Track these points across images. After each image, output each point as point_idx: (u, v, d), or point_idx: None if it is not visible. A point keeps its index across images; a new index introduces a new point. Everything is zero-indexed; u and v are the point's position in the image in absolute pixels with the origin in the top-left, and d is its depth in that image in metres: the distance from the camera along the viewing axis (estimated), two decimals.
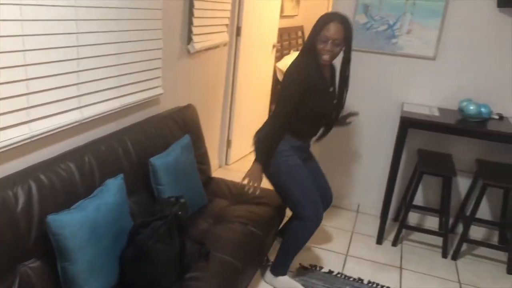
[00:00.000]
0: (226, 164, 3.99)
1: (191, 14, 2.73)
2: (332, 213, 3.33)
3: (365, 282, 2.57)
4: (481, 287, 2.63)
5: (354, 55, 3.11)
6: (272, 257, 2.57)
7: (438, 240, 2.99)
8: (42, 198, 1.51)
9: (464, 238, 2.82)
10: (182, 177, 2.19)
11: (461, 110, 2.77)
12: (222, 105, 3.73)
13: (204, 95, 3.26)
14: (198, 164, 2.44)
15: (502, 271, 2.80)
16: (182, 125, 2.47)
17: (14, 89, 1.51)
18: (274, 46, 4.42)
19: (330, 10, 3.43)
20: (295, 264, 2.57)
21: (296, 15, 5.98)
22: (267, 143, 2.16)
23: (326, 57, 2.09)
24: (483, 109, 2.71)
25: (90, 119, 1.91)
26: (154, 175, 2.05)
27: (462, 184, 3.13)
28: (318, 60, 2.11)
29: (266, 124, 2.28)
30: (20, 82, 1.53)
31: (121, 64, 2.08)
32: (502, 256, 2.91)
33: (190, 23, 2.75)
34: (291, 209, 2.28)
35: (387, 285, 2.56)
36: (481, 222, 3.07)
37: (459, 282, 2.66)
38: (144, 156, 2.06)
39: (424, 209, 3.24)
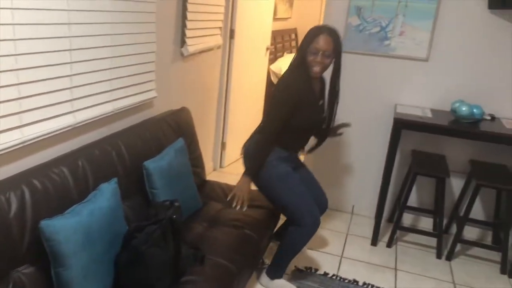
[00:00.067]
0: (221, 166, 3.98)
1: (184, 17, 2.73)
2: (326, 215, 3.33)
3: (360, 283, 2.57)
4: (475, 287, 2.65)
5: (347, 57, 3.14)
6: (267, 259, 2.57)
7: (433, 241, 3.01)
8: (35, 203, 1.50)
9: (458, 238, 2.83)
10: (176, 181, 2.18)
11: (453, 111, 2.79)
12: (216, 107, 3.72)
13: (198, 98, 3.25)
14: (192, 167, 2.44)
15: (496, 271, 2.82)
16: (176, 128, 2.47)
17: (5, 93, 1.50)
18: (267, 49, 4.43)
19: (323, 12, 3.45)
20: (290, 266, 2.57)
21: (290, 18, 5.99)
22: (256, 156, 2.18)
23: (317, 68, 2.11)
24: (475, 110, 2.73)
25: (84, 123, 1.90)
26: (148, 179, 2.04)
27: (456, 184, 3.15)
28: (309, 73, 2.13)
29: (254, 135, 2.29)
30: (11, 86, 1.52)
31: (114, 68, 2.07)
32: (496, 256, 2.93)
33: (184, 26, 2.75)
34: (289, 217, 2.27)
35: (382, 286, 2.57)
36: (475, 222, 3.09)
37: (453, 282, 2.67)
38: (138, 160, 2.05)
39: (418, 210, 3.25)
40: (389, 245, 3.00)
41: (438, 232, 2.90)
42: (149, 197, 2.06)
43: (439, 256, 2.91)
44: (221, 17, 3.35)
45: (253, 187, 2.31)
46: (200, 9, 2.90)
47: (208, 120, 3.59)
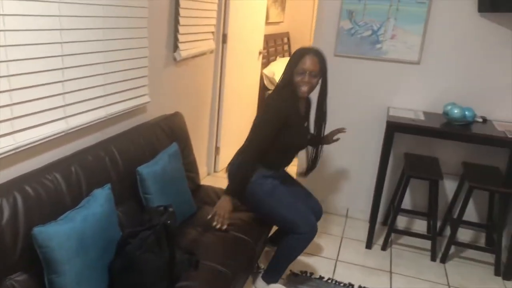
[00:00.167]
0: (215, 171, 3.97)
1: (176, 22, 2.73)
2: (321, 219, 3.33)
3: (356, 287, 2.57)
4: None
5: (340, 61, 3.16)
6: (262, 264, 2.56)
7: (427, 243, 3.02)
8: (28, 210, 1.49)
9: (452, 240, 2.84)
10: (170, 186, 2.17)
11: (445, 114, 2.81)
12: (210, 112, 3.72)
13: (191, 102, 3.25)
14: (186, 172, 2.43)
15: (490, 272, 2.83)
16: (170, 133, 2.46)
17: None
18: (260, 53, 4.44)
19: (315, 16, 3.46)
20: (286, 271, 2.56)
21: (282, 22, 6.02)
22: (238, 176, 2.18)
23: (304, 88, 2.15)
24: (467, 113, 2.75)
25: (76, 129, 1.89)
26: (142, 184, 2.03)
27: (449, 187, 3.17)
28: (297, 93, 2.16)
29: (238, 155, 2.29)
30: (3, 92, 1.50)
31: (107, 73, 2.06)
32: (490, 257, 2.95)
33: (176, 30, 2.74)
34: (286, 230, 2.24)
35: None
36: (468, 224, 3.11)
37: (448, 285, 2.68)
38: (131, 165, 2.04)
39: (412, 213, 3.26)
40: (383, 248, 3.01)
41: (432, 234, 2.91)
42: (143, 202, 2.05)
43: (433, 258, 2.92)
44: (214, 21, 3.35)
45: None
46: (192, 13, 2.91)
47: (202, 125, 3.59)
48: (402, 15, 2.95)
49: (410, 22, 2.95)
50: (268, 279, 2.36)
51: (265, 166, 2.23)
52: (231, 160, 2.30)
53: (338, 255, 2.91)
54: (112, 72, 2.10)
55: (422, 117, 2.88)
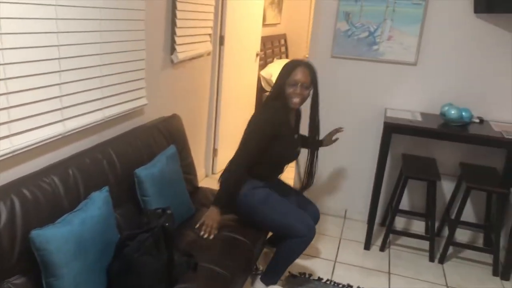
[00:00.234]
0: (213, 173, 3.97)
1: (173, 24, 2.73)
2: (320, 220, 3.33)
3: None
4: None
5: (337, 63, 3.17)
6: (261, 265, 2.56)
7: (425, 244, 3.02)
8: (26, 213, 1.48)
9: (450, 241, 2.85)
10: (168, 188, 2.17)
11: (443, 115, 2.82)
12: (207, 114, 3.72)
13: (189, 104, 3.25)
14: (184, 174, 2.43)
15: (488, 273, 2.84)
16: (167, 135, 2.46)
17: None
18: (257, 55, 4.45)
19: (311, 18, 3.47)
20: (284, 272, 2.56)
21: (279, 24, 6.03)
22: (226, 186, 2.17)
23: (296, 100, 2.17)
24: (464, 113, 2.75)
25: (74, 131, 1.89)
26: (139, 186, 2.03)
27: (447, 187, 3.17)
28: (288, 104, 2.18)
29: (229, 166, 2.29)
30: (0, 96, 1.50)
31: (104, 76, 2.06)
32: (488, 258, 2.95)
33: (173, 33, 2.75)
34: (284, 235, 2.23)
35: None
36: (466, 225, 3.11)
37: (446, 285, 2.68)
38: (129, 167, 2.04)
39: (410, 214, 3.27)
40: (382, 249, 3.01)
41: (430, 235, 2.91)
42: (141, 205, 2.05)
43: (431, 259, 2.92)
44: (211, 23, 3.35)
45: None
46: (189, 16, 2.91)
47: (199, 127, 3.59)
48: (399, 16, 2.96)
49: (406, 23, 2.96)
50: (267, 281, 2.36)
51: (256, 177, 2.24)
52: (224, 168, 2.30)
53: (336, 256, 2.91)
54: (109, 75, 2.10)
55: (419, 118, 2.88)
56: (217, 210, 2.15)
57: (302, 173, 2.48)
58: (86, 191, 1.75)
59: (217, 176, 3.89)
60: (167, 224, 1.75)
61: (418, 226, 3.30)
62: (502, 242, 2.93)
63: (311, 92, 2.24)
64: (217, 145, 3.88)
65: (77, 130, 1.91)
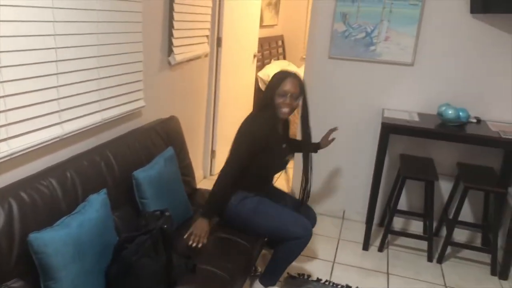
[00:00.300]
0: (211, 174, 3.97)
1: (171, 26, 2.73)
2: (318, 221, 3.32)
3: None
4: None
5: (334, 64, 3.17)
6: (260, 266, 2.56)
7: (423, 244, 3.03)
8: (24, 216, 1.48)
9: (448, 241, 2.85)
10: (166, 190, 2.17)
11: (440, 115, 2.82)
12: (205, 115, 3.72)
13: (186, 106, 3.25)
14: (182, 175, 2.42)
15: (486, 272, 2.84)
16: (165, 137, 2.46)
17: None
18: (255, 56, 4.45)
19: (308, 19, 3.47)
20: (283, 273, 2.56)
21: (276, 25, 6.03)
22: (216, 198, 2.16)
23: (286, 110, 2.19)
24: (461, 113, 2.76)
25: (71, 134, 1.89)
26: (138, 188, 2.02)
27: (444, 187, 3.18)
28: (277, 114, 2.20)
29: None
30: None
31: (101, 78, 2.06)
32: (486, 257, 2.96)
33: (170, 34, 2.75)
34: (282, 240, 2.23)
35: None
36: (464, 224, 3.12)
37: (444, 285, 2.69)
38: (127, 170, 2.03)
39: (408, 214, 3.27)
40: (380, 249, 3.01)
41: (429, 235, 2.92)
42: (139, 207, 2.05)
43: (430, 259, 2.93)
44: (208, 25, 3.36)
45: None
46: (186, 17, 2.91)
47: (197, 128, 3.59)
48: (396, 17, 2.97)
49: (403, 24, 2.97)
50: (266, 282, 2.36)
51: (245, 189, 2.24)
52: (216, 179, 2.29)
53: (335, 257, 2.91)
54: (107, 77, 2.10)
55: (416, 118, 2.89)
56: (206, 221, 2.12)
57: (299, 186, 2.47)
58: (84, 193, 1.75)
59: (215, 177, 3.91)
60: (165, 226, 1.75)
61: (416, 226, 3.30)
62: (500, 241, 2.94)
63: (300, 102, 2.26)
64: (215, 146, 3.88)
65: (75, 133, 1.91)
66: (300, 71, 4.99)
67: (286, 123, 2.41)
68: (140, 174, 2.03)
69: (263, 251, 2.63)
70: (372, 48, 3.06)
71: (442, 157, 3.11)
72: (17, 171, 1.66)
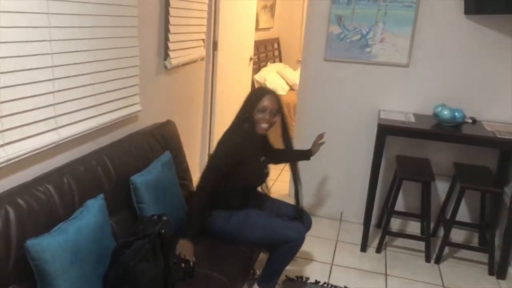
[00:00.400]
0: None
1: (167, 30, 2.73)
2: (316, 223, 3.33)
3: None
4: None
5: (330, 66, 3.18)
6: (258, 270, 2.56)
7: (421, 245, 3.03)
8: (20, 222, 1.47)
9: (446, 241, 2.86)
10: (164, 194, 2.17)
11: (436, 115, 2.83)
12: (202, 119, 3.72)
13: (183, 110, 3.25)
14: (179, 179, 2.42)
15: (484, 272, 2.85)
16: (162, 142, 2.46)
17: None
18: (251, 59, 4.46)
19: (304, 22, 3.49)
20: (281, 276, 2.56)
21: (272, 28, 6.05)
22: (193, 217, 2.15)
23: (265, 125, 2.22)
24: (457, 114, 2.77)
25: (68, 139, 1.88)
26: (135, 193, 2.02)
27: (441, 188, 3.19)
28: (256, 129, 2.22)
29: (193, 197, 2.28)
30: None
31: (97, 83, 2.06)
32: (483, 257, 2.96)
33: (166, 39, 2.75)
34: (275, 246, 2.23)
35: None
36: (461, 224, 3.13)
37: (442, 285, 2.69)
38: (124, 174, 2.03)
39: (406, 215, 3.28)
40: (378, 250, 3.02)
41: (426, 235, 2.92)
42: (136, 212, 2.04)
43: (428, 259, 2.93)
44: (204, 29, 3.36)
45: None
46: (182, 21, 2.91)
47: (194, 132, 3.59)
48: (390, 19, 2.99)
49: (398, 25, 2.99)
50: (264, 286, 2.35)
51: (228, 208, 2.23)
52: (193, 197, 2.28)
53: (333, 259, 2.91)
54: (103, 82, 2.10)
55: (412, 119, 2.90)
56: (188, 241, 2.10)
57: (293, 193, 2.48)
58: (81, 199, 1.74)
59: None
60: (163, 230, 1.75)
61: (414, 227, 3.31)
62: (497, 241, 2.95)
63: (278, 119, 2.29)
64: (212, 150, 3.88)
65: (71, 138, 1.90)
66: (296, 74, 5.02)
67: (264, 137, 2.41)
68: (138, 178, 2.03)
69: (262, 254, 2.63)
70: (368, 49, 3.08)
71: (438, 158, 3.12)
72: (14, 177, 1.66)
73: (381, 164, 2.93)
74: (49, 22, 1.69)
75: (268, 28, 5.90)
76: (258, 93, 2.28)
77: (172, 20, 2.74)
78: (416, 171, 2.88)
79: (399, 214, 3.26)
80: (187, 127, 3.37)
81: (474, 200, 3.12)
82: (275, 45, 6.15)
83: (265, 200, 2.45)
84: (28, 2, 1.58)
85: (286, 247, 2.20)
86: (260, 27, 5.39)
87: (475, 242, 3.19)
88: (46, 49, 1.70)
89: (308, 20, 3.20)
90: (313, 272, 2.73)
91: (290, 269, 2.72)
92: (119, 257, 1.66)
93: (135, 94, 2.41)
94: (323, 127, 3.29)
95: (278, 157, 2.51)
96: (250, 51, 4.42)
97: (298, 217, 2.35)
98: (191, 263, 1.92)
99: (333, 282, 2.65)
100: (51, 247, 1.44)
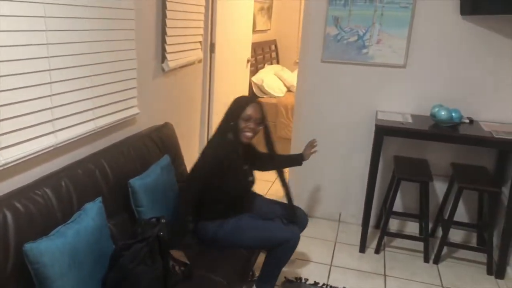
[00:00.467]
0: None
1: (164, 33, 2.73)
2: (314, 224, 3.34)
3: None
4: None
5: (327, 67, 3.19)
6: (257, 271, 2.56)
7: (420, 245, 3.03)
8: (19, 226, 1.47)
9: (444, 241, 2.87)
10: (162, 198, 2.17)
11: (433, 116, 2.84)
12: (200, 121, 3.72)
13: (181, 112, 3.25)
14: (178, 182, 2.42)
15: (483, 272, 2.85)
16: (160, 144, 2.46)
17: None
18: (248, 61, 4.47)
19: (301, 23, 3.49)
20: (280, 277, 2.56)
21: (269, 30, 6.06)
22: (178, 227, 2.12)
23: (249, 134, 2.22)
24: (454, 114, 2.78)
25: (65, 143, 1.88)
26: (134, 196, 2.02)
27: (439, 188, 3.20)
28: (240, 138, 2.21)
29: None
30: None
31: (95, 86, 2.06)
32: (482, 257, 2.97)
33: (164, 41, 2.75)
34: (271, 248, 2.24)
35: None
36: (460, 224, 3.13)
37: (441, 285, 2.70)
38: (122, 177, 2.03)
39: (404, 215, 3.28)
40: (377, 251, 3.02)
41: (424, 236, 2.93)
42: (135, 215, 2.04)
43: (426, 260, 2.94)
44: (201, 31, 3.36)
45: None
46: (179, 24, 2.91)
47: (192, 134, 3.59)
48: (387, 20, 2.99)
49: (394, 26, 3.00)
50: (263, 287, 2.36)
51: (218, 217, 2.22)
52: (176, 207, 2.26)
53: (332, 260, 2.91)
54: (100, 85, 2.10)
55: (410, 120, 2.91)
56: (177, 250, 2.06)
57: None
58: (79, 202, 1.74)
59: None
60: (161, 233, 1.75)
61: (412, 228, 3.31)
62: (495, 241, 2.96)
63: (262, 128, 2.28)
64: None
65: (69, 141, 1.90)
66: (294, 75, 5.03)
67: (249, 145, 2.39)
68: (136, 182, 2.03)
69: (261, 255, 2.63)
70: (365, 51, 3.08)
71: (436, 158, 3.13)
72: (11, 181, 1.65)
73: (379, 165, 2.93)
74: (45, 25, 1.69)
75: (265, 30, 5.91)
76: (243, 101, 2.26)
77: (169, 23, 2.74)
78: (414, 171, 2.89)
79: (398, 214, 3.27)
80: (185, 129, 3.37)
81: (472, 200, 3.12)
82: (272, 47, 6.15)
83: (256, 203, 2.44)
84: (25, 5, 1.59)
85: (281, 249, 2.20)
86: (257, 29, 5.40)
87: (473, 242, 3.19)
88: (43, 52, 1.70)
89: (305, 21, 3.21)
90: (312, 273, 2.73)
91: (289, 271, 2.72)
92: (118, 260, 1.66)
93: (132, 97, 2.41)
94: (321, 128, 3.30)
95: (266, 164, 2.48)
96: (247, 53, 4.42)
97: (291, 217, 2.34)
98: (189, 265, 1.92)
99: (332, 283, 2.65)
100: (50, 250, 1.43)
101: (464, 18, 2.88)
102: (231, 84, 4.09)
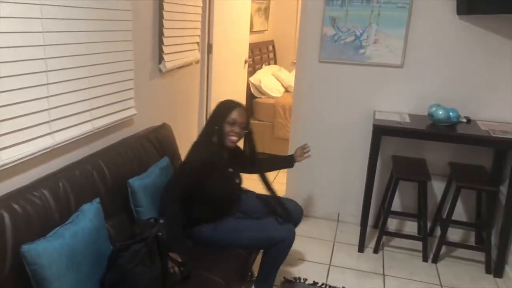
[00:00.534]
0: None
1: (161, 34, 2.73)
2: (313, 224, 3.35)
3: None
4: None
5: (324, 67, 3.19)
6: (256, 271, 2.56)
7: (418, 245, 3.04)
8: (16, 227, 1.47)
9: (443, 240, 2.87)
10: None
11: (430, 115, 2.85)
12: (198, 122, 3.72)
13: (178, 113, 3.25)
14: None
15: (481, 271, 2.86)
16: (158, 145, 2.46)
17: None
18: (246, 61, 4.47)
19: (298, 24, 3.50)
20: (279, 277, 2.56)
21: (266, 30, 6.06)
22: (169, 230, 2.03)
23: (234, 138, 2.23)
24: (451, 113, 2.78)
25: (63, 144, 1.88)
26: (133, 197, 2.02)
27: (437, 187, 3.20)
28: (225, 142, 2.22)
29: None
30: None
31: (92, 87, 2.05)
32: (480, 256, 2.97)
33: (161, 42, 2.75)
34: (267, 247, 2.24)
35: None
36: (458, 224, 3.14)
37: (440, 284, 2.70)
38: (120, 178, 2.03)
39: (402, 215, 3.29)
40: (376, 251, 3.02)
41: (423, 235, 2.93)
42: (134, 215, 2.04)
43: (425, 259, 2.94)
44: (198, 32, 3.36)
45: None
46: (176, 25, 2.91)
47: (190, 135, 3.58)
48: (384, 20, 3.00)
49: (391, 26, 3.00)
50: (260, 287, 2.35)
51: (211, 221, 2.22)
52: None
53: (331, 259, 2.91)
54: (97, 86, 2.10)
55: (407, 119, 2.91)
56: (173, 252, 2.07)
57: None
58: (77, 203, 1.74)
59: None
60: (160, 233, 1.75)
61: (411, 227, 3.32)
62: (494, 239, 2.96)
63: (247, 133, 2.30)
64: None
65: (66, 143, 1.90)
66: (291, 76, 5.03)
67: (235, 148, 2.36)
68: (135, 182, 2.03)
69: (259, 256, 2.63)
70: (362, 51, 3.09)
71: (434, 157, 3.13)
72: (9, 182, 1.65)
73: (377, 165, 2.93)
74: (42, 27, 1.69)
75: (263, 31, 5.92)
76: (228, 105, 2.26)
77: (166, 24, 2.74)
78: (412, 171, 2.89)
79: (396, 214, 3.27)
80: (182, 130, 3.37)
81: (470, 199, 3.13)
82: (270, 48, 6.16)
83: (244, 199, 2.43)
84: (22, 7, 1.58)
85: (277, 248, 2.20)
86: (254, 29, 5.40)
87: (471, 241, 3.20)
88: (40, 53, 1.69)
89: (302, 22, 3.21)
90: (311, 273, 2.73)
91: (288, 270, 2.72)
92: (117, 261, 1.65)
93: (130, 98, 2.41)
94: (319, 128, 3.30)
95: (253, 167, 2.43)
96: (245, 53, 4.42)
97: (286, 217, 2.33)
98: (187, 265, 1.91)
99: (330, 283, 2.65)
100: (47, 251, 1.43)
101: (461, 18, 2.89)
102: (228, 84, 4.09)
